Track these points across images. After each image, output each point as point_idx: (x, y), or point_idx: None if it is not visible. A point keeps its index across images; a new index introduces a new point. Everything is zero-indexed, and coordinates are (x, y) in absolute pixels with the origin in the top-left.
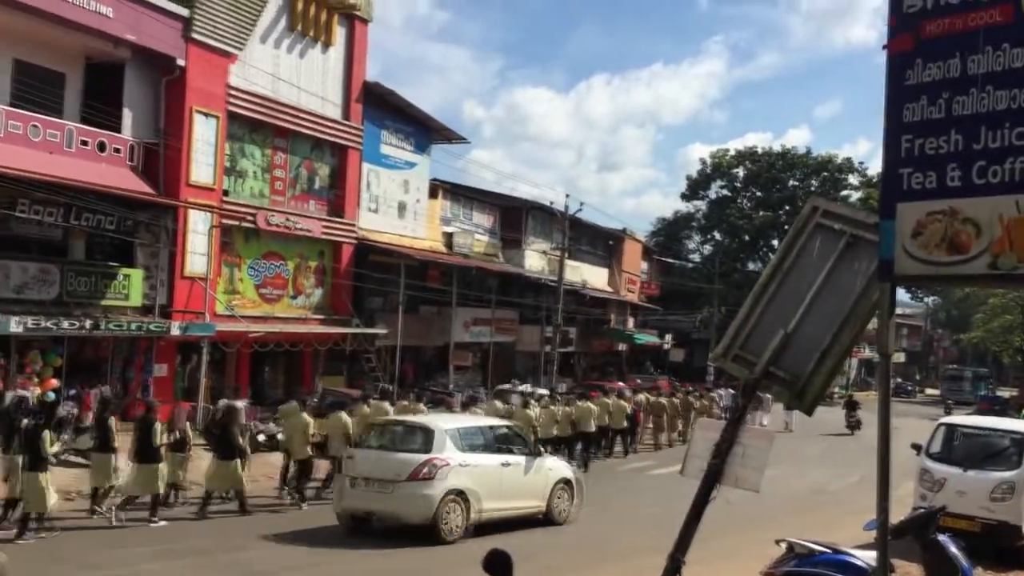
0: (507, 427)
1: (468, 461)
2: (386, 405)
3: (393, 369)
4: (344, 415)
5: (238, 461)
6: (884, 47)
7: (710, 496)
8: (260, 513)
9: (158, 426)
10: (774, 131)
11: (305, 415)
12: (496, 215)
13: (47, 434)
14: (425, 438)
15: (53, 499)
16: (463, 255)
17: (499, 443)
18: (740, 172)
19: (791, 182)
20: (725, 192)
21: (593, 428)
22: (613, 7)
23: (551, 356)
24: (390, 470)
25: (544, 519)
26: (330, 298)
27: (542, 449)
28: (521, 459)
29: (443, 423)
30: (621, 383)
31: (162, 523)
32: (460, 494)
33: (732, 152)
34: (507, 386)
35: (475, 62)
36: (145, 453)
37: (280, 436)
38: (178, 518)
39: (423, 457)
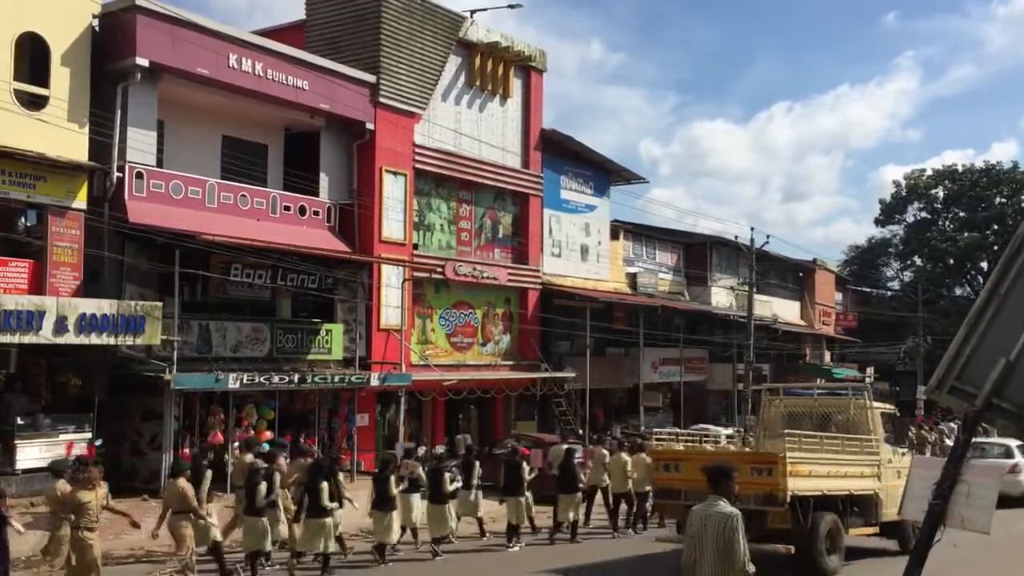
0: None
1: None
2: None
3: (583, 412)
4: (645, 455)
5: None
6: None
7: (933, 539)
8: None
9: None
10: (976, 147)
11: (624, 455)
12: (679, 253)
13: (325, 485)
14: (1006, 450)
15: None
16: (648, 295)
17: None
18: (939, 193)
19: (998, 200)
20: (924, 215)
21: None
22: (790, 34)
23: (745, 394)
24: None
25: None
26: (518, 344)
27: None
28: None
29: (1012, 442)
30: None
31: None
32: None
33: (929, 172)
34: (701, 426)
35: (649, 102)
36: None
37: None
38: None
39: (1011, 461)
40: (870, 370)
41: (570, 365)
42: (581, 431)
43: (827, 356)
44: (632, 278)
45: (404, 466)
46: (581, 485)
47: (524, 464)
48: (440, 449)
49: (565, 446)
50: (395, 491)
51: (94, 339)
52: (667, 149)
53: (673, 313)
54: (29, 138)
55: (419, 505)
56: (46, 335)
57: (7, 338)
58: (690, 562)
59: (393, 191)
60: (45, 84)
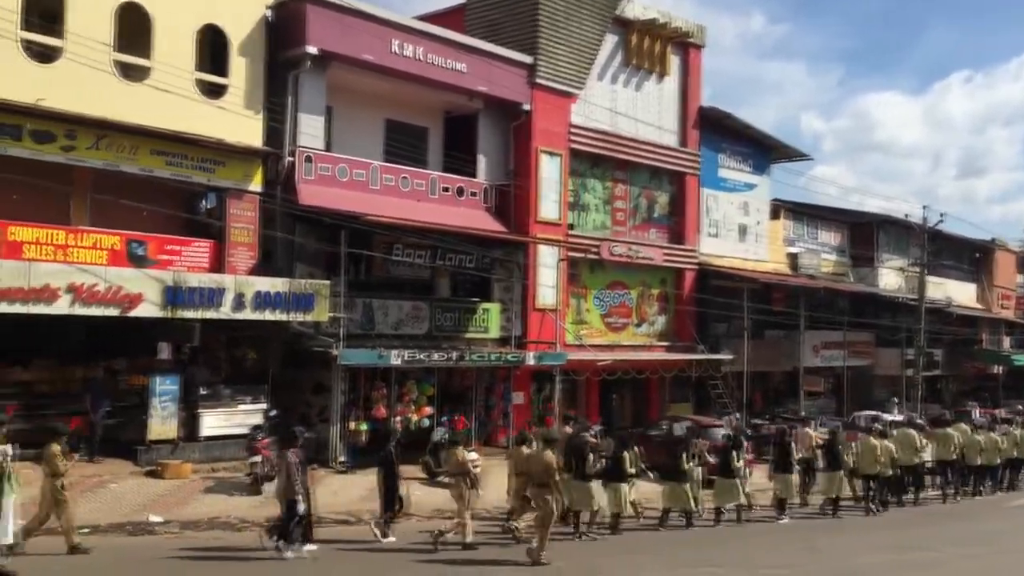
0: None
1: None
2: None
3: (740, 396)
4: (888, 441)
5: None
6: None
7: None
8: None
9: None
10: None
11: (872, 439)
12: (844, 232)
13: (626, 455)
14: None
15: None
16: (809, 276)
17: None
18: None
19: None
20: None
21: None
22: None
23: (914, 380)
24: None
25: None
26: (674, 325)
27: None
28: None
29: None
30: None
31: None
32: None
33: None
34: (866, 412)
35: (812, 75)
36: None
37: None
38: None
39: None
40: None
41: (727, 347)
42: (738, 414)
43: (1006, 342)
44: (793, 259)
45: (694, 445)
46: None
47: (793, 444)
48: (596, 428)
49: (814, 429)
50: (686, 465)
51: (268, 315)
52: (831, 124)
53: (836, 295)
54: (209, 125)
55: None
56: (226, 311)
57: (191, 313)
58: None
59: (549, 171)
60: (224, 73)
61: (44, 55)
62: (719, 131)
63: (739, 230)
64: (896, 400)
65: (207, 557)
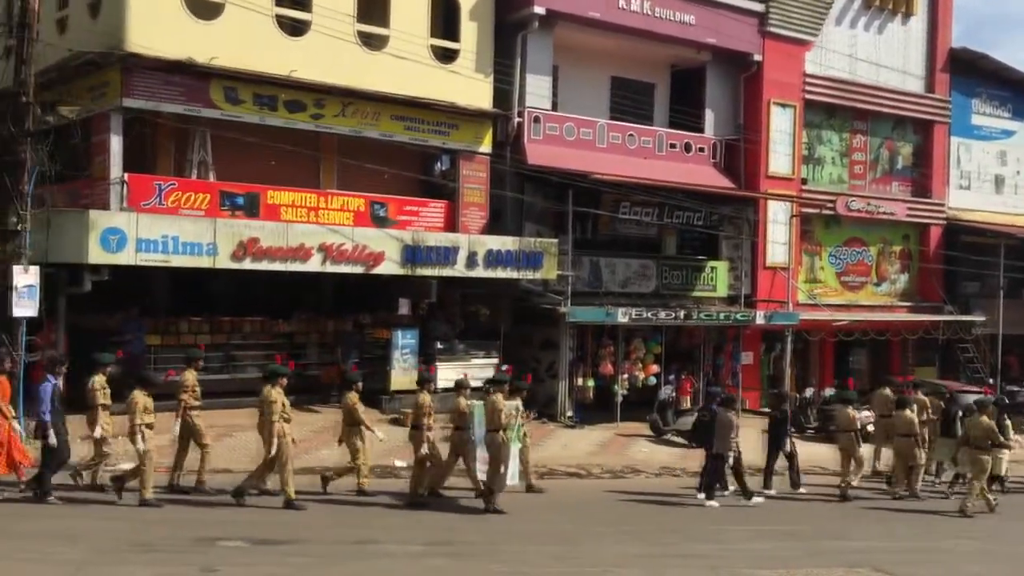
0: None
1: None
2: None
3: (993, 360)
4: None
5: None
6: None
7: None
8: None
9: None
10: None
11: None
12: None
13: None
14: None
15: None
16: None
17: None
18: None
19: None
20: None
21: None
22: None
23: None
24: None
25: None
26: (917, 284)
27: None
28: None
29: None
30: None
31: None
32: None
33: None
34: None
35: None
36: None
37: None
38: None
39: None
40: None
41: (979, 308)
42: (992, 380)
43: None
44: None
45: None
46: None
47: None
48: (830, 391)
49: None
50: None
51: (499, 273)
52: None
53: None
54: (443, 89)
55: None
56: (460, 269)
57: (428, 271)
58: None
59: (780, 124)
60: (455, 38)
61: (295, 28)
62: (972, 74)
63: (995, 181)
64: None
65: (635, 500)
